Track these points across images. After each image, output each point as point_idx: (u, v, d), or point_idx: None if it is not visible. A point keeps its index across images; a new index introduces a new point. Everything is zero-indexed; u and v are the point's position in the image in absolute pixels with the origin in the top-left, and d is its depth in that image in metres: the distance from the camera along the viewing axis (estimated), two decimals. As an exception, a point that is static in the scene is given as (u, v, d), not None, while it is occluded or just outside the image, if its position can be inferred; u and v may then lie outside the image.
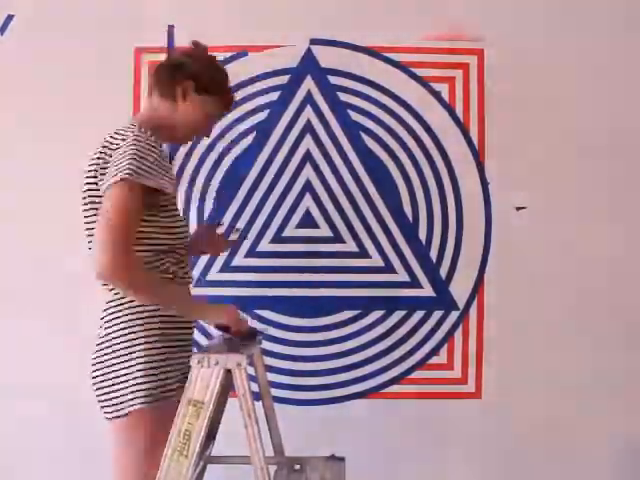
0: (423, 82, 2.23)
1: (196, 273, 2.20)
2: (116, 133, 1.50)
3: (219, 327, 1.52)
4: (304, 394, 2.22)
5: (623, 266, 2.26)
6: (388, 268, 2.24)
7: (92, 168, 1.49)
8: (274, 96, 2.23)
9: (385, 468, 2.22)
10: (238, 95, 2.18)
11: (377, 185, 2.23)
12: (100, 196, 1.43)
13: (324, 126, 2.22)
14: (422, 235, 2.24)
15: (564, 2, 2.26)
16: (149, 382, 1.46)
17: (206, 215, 2.23)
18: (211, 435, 1.65)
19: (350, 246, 2.23)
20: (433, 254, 2.24)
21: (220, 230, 2.00)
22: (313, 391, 2.22)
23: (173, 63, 1.59)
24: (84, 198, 1.52)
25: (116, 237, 1.35)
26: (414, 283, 2.24)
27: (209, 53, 1.61)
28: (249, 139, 2.22)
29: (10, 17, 2.19)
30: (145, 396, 1.46)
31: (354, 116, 2.23)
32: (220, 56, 2.12)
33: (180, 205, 2.16)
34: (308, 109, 2.22)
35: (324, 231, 2.23)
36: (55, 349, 2.15)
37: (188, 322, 1.57)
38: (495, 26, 2.23)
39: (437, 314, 2.24)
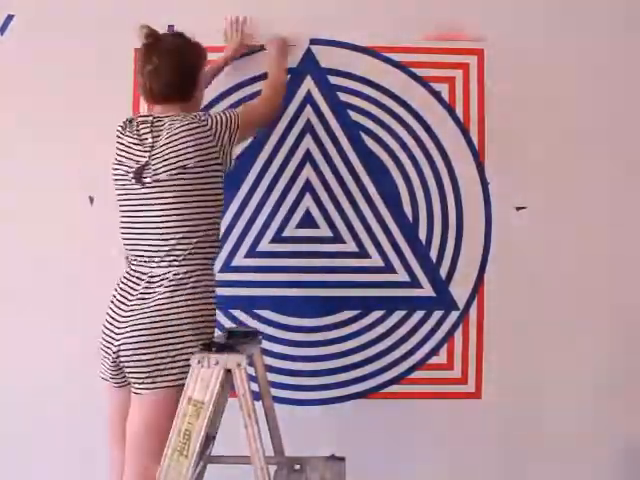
0: (423, 82, 2.23)
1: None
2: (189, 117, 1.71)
3: None
4: (304, 394, 2.22)
5: (623, 266, 2.26)
6: (388, 268, 2.23)
7: (185, 142, 1.64)
8: (274, 96, 2.23)
9: (385, 468, 2.22)
10: (238, 95, 2.19)
11: (377, 185, 2.23)
12: (206, 154, 1.67)
13: (324, 126, 2.22)
14: (422, 235, 2.24)
15: (564, 2, 2.25)
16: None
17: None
18: (211, 435, 1.65)
19: (350, 246, 2.23)
20: (433, 254, 2.24)
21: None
22: (313, 391, 2.22)
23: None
24: (172, 169, 1.63)
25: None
26: (414, 283, 2.24)
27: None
28: (249, 139, 2.22)
29: (10, 17, 2.19)
30: (186, 373, 1.53)
31: (354, 116, 2.22)
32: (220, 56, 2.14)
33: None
34: (308, 109, 2.22)
35: (324, 231, 2.23)
36: (55, 349, 2.15)
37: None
38: (495, 26, 2.23)
39: (437, 314, 2.24)
